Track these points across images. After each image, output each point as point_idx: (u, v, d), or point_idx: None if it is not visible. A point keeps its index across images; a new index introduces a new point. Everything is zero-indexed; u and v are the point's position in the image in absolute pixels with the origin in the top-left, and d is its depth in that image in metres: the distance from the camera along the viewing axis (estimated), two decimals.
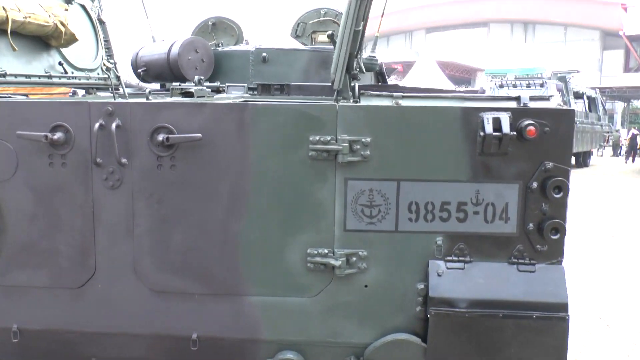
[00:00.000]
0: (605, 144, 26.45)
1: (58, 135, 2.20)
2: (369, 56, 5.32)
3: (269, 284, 2.24)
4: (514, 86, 15.62)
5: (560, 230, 2.11)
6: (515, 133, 2.05)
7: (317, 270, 2.19)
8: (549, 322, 2.08)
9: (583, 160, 19.24)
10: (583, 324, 4.94)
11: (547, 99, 2.22)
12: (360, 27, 2.27)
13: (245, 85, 4.24)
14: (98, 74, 3.90)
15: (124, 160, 2.20)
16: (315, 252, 2.18)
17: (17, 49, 2.81)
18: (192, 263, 2.26)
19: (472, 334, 2.12)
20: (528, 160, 2.10)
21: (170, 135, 2.16)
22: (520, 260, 2.15)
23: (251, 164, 2.18)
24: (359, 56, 2.54)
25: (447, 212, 2.14)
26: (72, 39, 3.32)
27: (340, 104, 2.17)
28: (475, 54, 41.03)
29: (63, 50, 3.48)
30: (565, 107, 2.10)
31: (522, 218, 2.13)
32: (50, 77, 3.27)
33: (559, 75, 16.58)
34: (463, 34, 48.44)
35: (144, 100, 2.53)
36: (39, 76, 3.18)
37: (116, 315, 2.33)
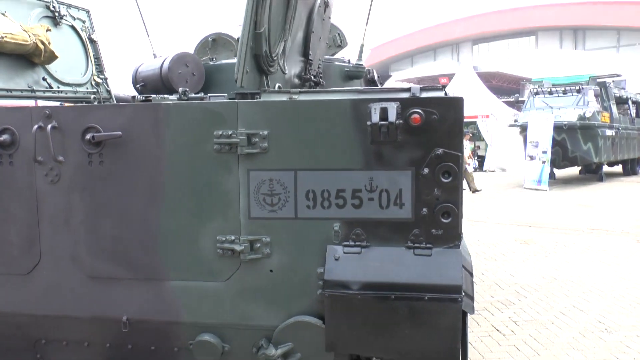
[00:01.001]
0: None
1: (4, 137, 2.49)
2: (356, 64, 5.45)
3: (185, 269, 2.42)
4: (550, 93, 15.25)
5: (451, 214, 2.18)
6: (402, 122, 2.15)
7: (226, 256, 2.35)
8: (441, 304, 2.15)
9: (631, 167, 18.37)
10: None
11: (440, 89, 2.30)
12: (262, 30, 2.44)
13: (226, 95, 4.48)
14: (87, 88, 4.24)
15: (60, 158, 2.46)
16: (224, 238, 2.35)
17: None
18: (120, 250, 2.47)
19: (366, 316, 2.21)
20: (419, 147, 2.19)
21: (95, 134, 2.40)
22: (417, 245, 2.23)
23: (166, 159, 2.38)
24: (275, 57, 2.69)
25: (342, 199, 2.26)
26: (52, 57, 3.65)
27: (241, 101, 2.34)
28: (523, 64, 40.05)
29: (50, 66, 3.83)
30: (454, 95, 2.15)
31: (416, 203, 2.21)
32: (33, 91, 3.60)
33: (598, 80, 16.02)
34: (510, 44, 47.51)
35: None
36: (22, 90, 3.52)
37: (59, 299, 2.57)
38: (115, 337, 2.57)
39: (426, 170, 2.18)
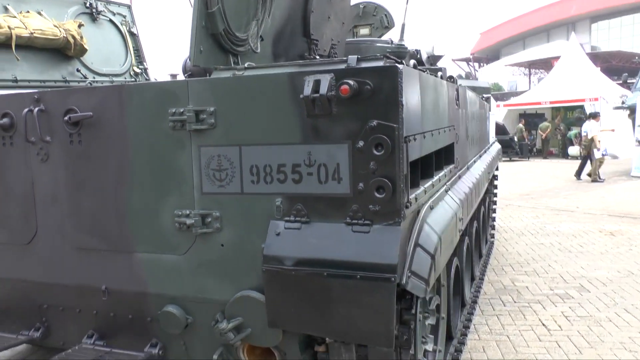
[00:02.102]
0: None
1: (4, 120, 2.77)
2: (397, 44, 5.29)
3: (150, 242, 2.53)
4: None
5: (386, 188, 2.07)
6: (333, 93, 2.08)
7: (182, 230, 2.43)
8: (373, 283, 2.06)
9: None
10: None
11: (380, 58, 2.17)
12: (215, 9, 2.46)
13: None
14: (125, 78, 4.56)
15: (47, 138, 2.69)
16: (180, 213, 2.43)
17: (19, 59, 3.50)
18: (98, 224, 2.65)
19: (302, 292, 2.17)
20: (354, 119, 2.11)
21: (71, 115, 2.59)
22: (355, 221, 2.15)
23: (129, 137, 2.51)
24: (245, 37, 2.70)
25: (283, 174, 2.24)
26: (82, 50, 3.97)
27: (190, 79, 2.39)
28: None
29: (86, 58, 4.17)
30: (389, 64, 1.99)
31: (353, 178, 2.13)
32: (66, 82, 3.94)
33: None
34: (636, 19, 42.94)
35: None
36: (55, 81, 3.87)
37: (52, 268, 2.82)
38: (99, 305, 2.76)
39: (361, 143, 2.09)
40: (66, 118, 2.60)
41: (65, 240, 2.76)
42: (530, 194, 12.25)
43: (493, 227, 7.99)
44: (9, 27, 3.44)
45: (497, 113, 25.29)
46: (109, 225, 2.63)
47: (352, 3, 6.09)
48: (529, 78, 45.45)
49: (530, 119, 24.46)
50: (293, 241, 2.20)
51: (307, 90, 2.10)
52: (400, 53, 5.26)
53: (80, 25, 4.02)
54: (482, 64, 54.16)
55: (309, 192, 2.21)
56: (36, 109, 2.67)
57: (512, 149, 21.35)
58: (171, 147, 2.42)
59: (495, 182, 8.31)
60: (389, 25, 5.97)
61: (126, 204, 2.56)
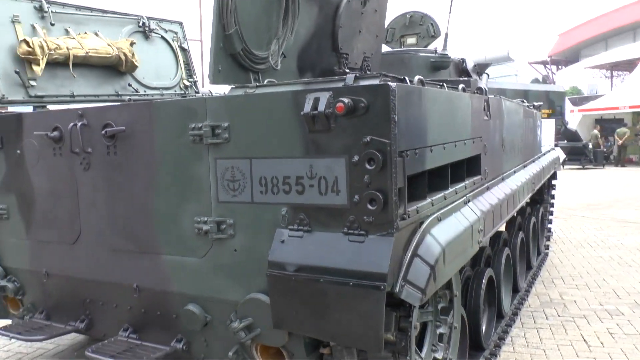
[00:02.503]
0: None
1: (55, 133, 3.10)
2: (440, 54, 5.33)
3: (173, 245, 2.76)
4: None
5: (377, 201, 2.17)
6: (331, 110, 2.21)
7: (200, 235, 2.64)
8: (364, 290, 2.16)
9: None
10: None
11: (376, 76, 2.25)
12: (232, 32, 2.65)
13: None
14: (175, 91, 4.89)
15: (89, 149, 2.99)
16: (199, 219, 2.63)
17: (76, 76, 3.87)
18: (129, 227, 2.92)
19: (301, 297, 2.30)
20: (351, 135, 2.22)
21: (107, 129, 2.87)
22: (352, 231, 2.26)
23: (156, 149, 2.75)
24: (266, 55, 2.88)
25: (288, 186, 2.38)
26: (133, 66, 4.32)
27: (209, 96, 2.59)
28: None
29: (138, 73, 4.52)
30: (383, 83, 2.06)
31: (350, 190, 2.24)
32: (119, 95, 4.30)
33: None
34: None
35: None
36: (108, 95, 4.24)
37: (92, 266, 3.12)
38: (132, 302, 3.03)
39: (356, 158, 2.20)
40: (103, 132, 2.88)
41: (103, 241, 3.05)
42: (598, 205, 11.69)
43: (548, 239, 7.75)
44: (67, 48, 3.82)
45: (571, 119, 24.16)
46: (138, 228, 2.88)
47: (398, 13, 6.19)
48: (611, 81, 43.02)
49: (608, 124, 23.23)
50: (295, 248, 2.34)
51: (307, 107, 2.24)
52: (443, 63, 5.31)
53: (132, 44, 4.38)
54: (560, 67, 51.86)
55: (311, 203, 2.34)
56: (80, 123, 2.98)
57: (585, 156, 20.37)
58: (191, 159, 2.64)
59: (553, 192, 8.06)
60: (434, 34, 5.99)
61: (153, 210, 2.81)
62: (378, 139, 2.16)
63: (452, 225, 2.76)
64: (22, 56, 3.61)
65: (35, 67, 3.60)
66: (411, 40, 6.13)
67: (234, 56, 2.83)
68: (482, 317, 3.86)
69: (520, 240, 5.53)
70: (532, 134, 5.96)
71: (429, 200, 2.57)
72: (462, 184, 3.14)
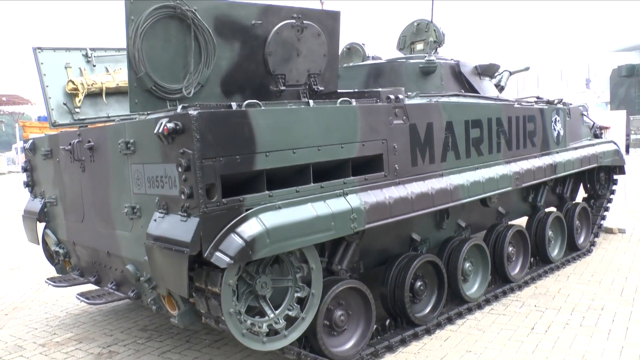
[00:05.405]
0: None
1: (68, 147, 4.56)
2: (427, 60, 5.81)
3: (119, 223, 4.00)
4: None
5: (190, 193, 3.12)
6: (161, 130, 3.22)
7: (128, 216, 3.82)
8: (177, 253, 3.13)
9: None
10: None
11: (195, 106, 3.13)
12: (142, 74, 3.79)
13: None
14: None
15: (82, 157, 4.39)
16: (126, 205, 3.82)
17: (107, 103, 5.37)
18: (102, 211, 4.24)
19: (157, 258, 3.36)
20: (176, 147, 3.18)
21: (87, 144, 4.22)
22: (182, 214, 3.23)
23: (109, 158, 4.02)
24: (180, 88, 3.96)
25: (159, 182, 3.46)
26: None
27: (126, 121, 3.77)
28: None
29: None
30: (188, 112, 2.92)
31: (180, 186, 3.23)
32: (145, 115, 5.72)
33: None
34: None
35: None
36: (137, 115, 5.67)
37: (91, 238, 4.51)
38: (108, 263, 4.37)
39: (180, 163, 3.17)
40: (86, 146, 4.24)
41: (92, 220, 4.43)
42: None
43: (596, 235, 7.51)
44: (101, 83, 5.34)
45: None
46: (105, 212, 4.19)
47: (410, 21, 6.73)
48: None
49: None
50: (157, 225, 3.41)
51: (156, 128, 3.28)
52: (429, 68, 5.82)
53: None
54: None
55: (165, 194, 3.39)
56: (76, 140, 4.39)
57: None
58: (122, 164, 3.84)
59: (614, 187, 7.76)
60: (437, 40, 6.43)
61: (109, 198, 4.09)
62: (187, 150, 3.13)
63: (301, 212, 3.54)
64: (69, 92, 5.19)
65: (75, 100, 5.16)
66: (419, 46, 6.65)
67: (148, 91, 3.95)
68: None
69: (511, 233, 5.76)
70: (539, 130, 6.05)
71: (265, 192, 3.43)
72: (341, 180, 3.86)
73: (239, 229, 3.25)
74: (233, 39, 4.29)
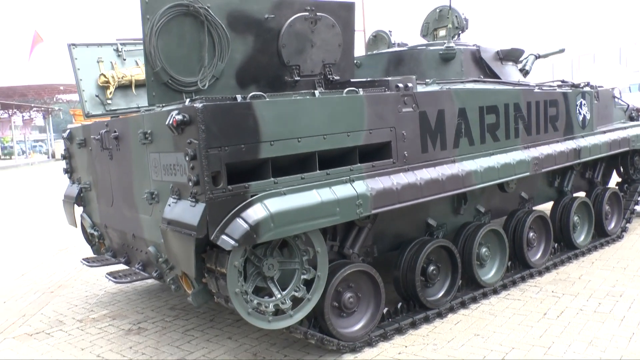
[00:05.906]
0: None
1: (98, 136, 4.88)
2: (446, 47, 5.83)
3: (141, 207, 4.29)
4: None
5: (197, 180, 3.35)
6: (171, 122, 3.45)
7: (148, 201, 4.08)
8: (186, 236, 3.37)
9: None
10: None
11: (201, 99, 3.32)
12: (158, 69, 4.03)
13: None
14: None
15: (110, 146, 4.70)
16: (146, 191, 4.09)
17: (137, 94, 5.67)
18: (127, 196, 4.54)
19: (172, 241, 3.62)
20: (185, 138, 3.40)
21: (113, 134, 4.52)
22: (191, 199, 3.45)
23: (131, 147, 4.30)
24: (195, 81, 4.18)
25: (172, 170, 3.70)
26: None
27: (145, 113, 4.03)
28: None
29: None
30: (191, 105, 3.11)
31: (189, 174, 3.46)
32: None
33: None
34: None
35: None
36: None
37: (119, 221, 4.84)
38: (135, 245, 4.68)
39: (187, 152, 3.38)
40: (112, 135, 4.55)
41: (120, 205, 4.75)
42: None
43: (629, 220, 7.34)
44: (131, 76, 5.64)
45: None
46: (129, 197, 4.49)
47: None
48: None
49: None
50: (171, 210, 3.66)
51: (167, 120, 3.51)
52: (448, 55, 5.85)
53: None
54: None
55: (177, 181, 3.63)
56: (104, 130, 4.70)
57: None
58: (142, 153, 4.11)
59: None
60: (458, 26, 6.41)
61: (133, 184, 4.38)
62: (193, 140, 3.34)
63: (305, 198, 3.71)
64: (101, 84, 5.52)
65: (107, 92, 5.48)
66: (442, 32, 6.63)
67: (165, 84, 4.18)
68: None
69: (532, 218, 5.74)
70: (561, 115, 5.98)
71: (270, 179, 3.61)
72: (347, 167, 4.01)
73: (244, 214, 3.45)
74: (246, 33, 4.47)
